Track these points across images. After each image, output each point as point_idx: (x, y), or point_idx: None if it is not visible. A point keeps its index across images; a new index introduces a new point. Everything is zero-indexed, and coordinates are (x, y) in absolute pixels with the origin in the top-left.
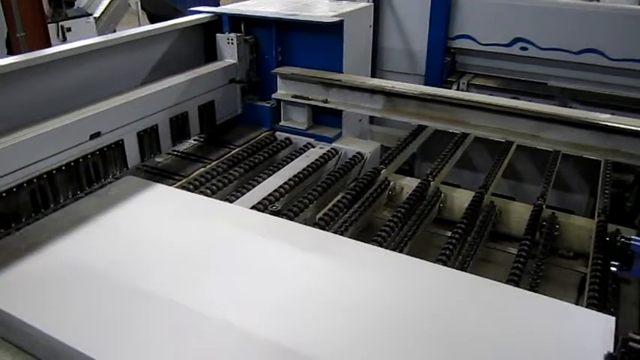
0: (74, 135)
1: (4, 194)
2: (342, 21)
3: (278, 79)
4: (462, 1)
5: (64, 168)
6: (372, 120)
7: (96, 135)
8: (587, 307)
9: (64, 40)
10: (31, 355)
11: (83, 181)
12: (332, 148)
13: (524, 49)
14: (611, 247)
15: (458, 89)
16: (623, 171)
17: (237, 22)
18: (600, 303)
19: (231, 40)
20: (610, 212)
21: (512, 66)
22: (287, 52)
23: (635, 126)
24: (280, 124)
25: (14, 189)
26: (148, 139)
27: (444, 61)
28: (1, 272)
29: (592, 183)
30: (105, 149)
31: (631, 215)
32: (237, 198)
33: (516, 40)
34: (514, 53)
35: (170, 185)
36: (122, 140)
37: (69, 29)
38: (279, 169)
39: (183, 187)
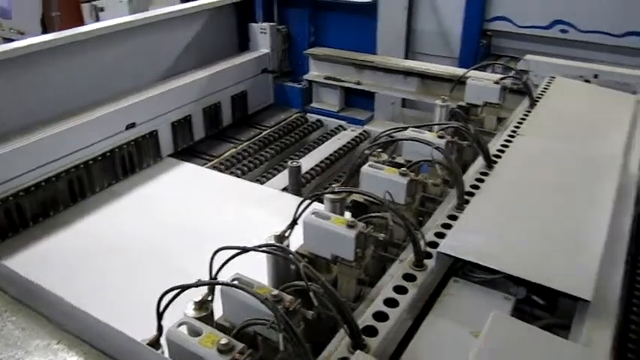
0: (110, 125)
1: (43, 184)
2: (376, 1)
3: (310, 60)
4: None
5: (100, 158)
6: (405, 103)
7: (131, 125)
8: None
9: (97, 19)
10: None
11: (118, 170)
12: (364, 131)
13: (564, 31)
14: None
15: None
16: None
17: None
18: None
19: (264, 29)
20: None
21: (551, 49)
22: (320, 32)
23: None
24: (311, 105)
25: (53, 178)
26: (182, 129)
27: (480, 43)
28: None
29: None
30: (140, 139)
31: None
32: (268, 179)
33: (556, 22)
34: (553, 36)
35: (201, 165)
36: (156, 131)
37: (102, 9)
38: (310, 151)
39: (214, 168)
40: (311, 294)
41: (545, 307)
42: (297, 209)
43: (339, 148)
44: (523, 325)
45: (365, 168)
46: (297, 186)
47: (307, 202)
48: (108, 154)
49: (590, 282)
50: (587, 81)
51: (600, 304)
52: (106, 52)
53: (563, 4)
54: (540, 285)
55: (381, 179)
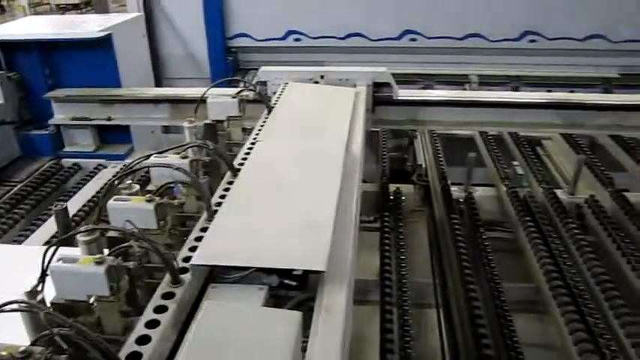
0: None
1: None
2: (110, 34)
3: (53, 104)
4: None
5: None
6: (168, 129)
7: None
8: None
9: None
10: None
11: None
12: (124, 165)
13: (297, 40)
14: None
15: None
16: (400, 136)
17: None
18: None
19: None
20: (395, 174)
21: (290, 57)
22: (58, 74)
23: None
24: (65, 150)
25: None
26: None
27: (227, 60)
28: None
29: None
30: None
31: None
32: (28, 237)
33: (290, 32)
34: (289, 45)
35: None
36: None
37: None
38: (71, 197)
39: None
40: (56, 338)
41: (298, 287)
42: (43, 260)
43: (101, 188)
44: (236, 307)
45: (110, 202)
46: (68, 230)
47: (52, 250)
48: None
49: (324, 255)
50: (316, 82)
51: (336, 273)
52: None
53: (294, 15)
54: (283, 268)
55: (128, 210)
